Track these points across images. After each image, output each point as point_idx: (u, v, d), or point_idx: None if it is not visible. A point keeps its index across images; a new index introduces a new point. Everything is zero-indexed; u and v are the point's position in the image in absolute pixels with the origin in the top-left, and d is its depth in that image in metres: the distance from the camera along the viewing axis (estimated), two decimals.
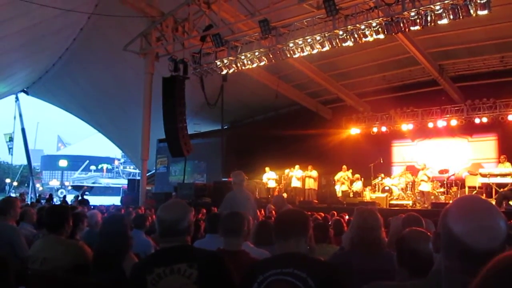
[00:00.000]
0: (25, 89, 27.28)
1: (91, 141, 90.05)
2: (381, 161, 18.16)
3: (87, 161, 74.13)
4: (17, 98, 30.06)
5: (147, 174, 20.82)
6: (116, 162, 64.50)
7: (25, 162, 41.03)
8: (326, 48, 13.55)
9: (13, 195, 33.08)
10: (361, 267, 2.93)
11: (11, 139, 37.88)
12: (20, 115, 31.96)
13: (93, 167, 70.93)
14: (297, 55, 14.40)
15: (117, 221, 3.84)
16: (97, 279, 3.53)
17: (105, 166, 63.88)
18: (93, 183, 57.11)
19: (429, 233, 2.50)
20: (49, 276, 3.69)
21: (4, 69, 21.06)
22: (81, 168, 72.42)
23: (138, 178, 22.03)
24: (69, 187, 71.40)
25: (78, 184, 56.37)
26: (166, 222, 2.62)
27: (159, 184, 26.73)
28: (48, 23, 17.30)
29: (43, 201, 23.11)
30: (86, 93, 25.28)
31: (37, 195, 34.44)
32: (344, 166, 17.84)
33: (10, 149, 39.32)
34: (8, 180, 59.71)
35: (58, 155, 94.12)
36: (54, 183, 77.73)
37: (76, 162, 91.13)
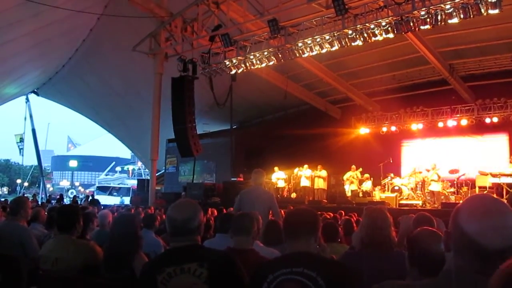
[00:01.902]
0: (35, 90, 27.48)
1: (100, 141, 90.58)
2: (391, 161, 18.08)
3: (113, 162, 74.51)
4: (27, 99, 30.28)
5: (157, 174, 20.90)
6: (140, 164, 64.89)
7: (35, 162, 41.37)
8: (335, 47, 13.53)
9: (28, 195, 33.29)
10: (371, 267, 2.92)
11: (21, 140, 38.22)
12: (31, 116, 32.19)
13: (118, 168, 71.28)
14: (306, 55, 14.39)
15: (127, 221, 3.85)
16: (107, 279, 3.54)
17: (130, 167, 64.14)
18: (119, 184, 57.33)
19: (440, 233, 2.48)
20: (60, 276, 3.71)
21: (14, 70, 21.21)
22: (107, 169, 72.89)
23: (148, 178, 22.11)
24: (80, 189, 71.90)
25: (105, 185, 56.53)
26: (177, 222, 2.62)
27: (169, 184, 26.80)
28: (58, 24, 17.42)
29: (53, 201, 23.28)
30: (96, 94, 25.42)
31: (48, 195, 34.70)
32: (353, 166, 17.76)
33: (21, 150, 39.67)
34: (19, 181, 60.27)
35: (68, 156, 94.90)
36: (65, 183, 78.34)
37: (86, 162, 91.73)
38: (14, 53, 18.78)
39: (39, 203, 20.39)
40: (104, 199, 38.33)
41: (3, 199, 19.58)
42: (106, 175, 70.92)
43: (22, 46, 18.44)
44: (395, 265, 2.85)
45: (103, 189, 51.21)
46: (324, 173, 18.07)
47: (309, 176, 18.18)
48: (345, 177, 17.89)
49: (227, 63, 15.97)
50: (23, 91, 27.46)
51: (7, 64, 19.77)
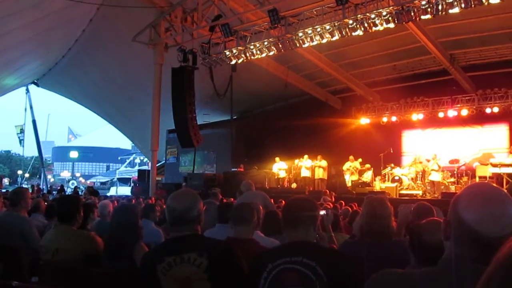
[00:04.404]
0: (35, 81, 27.46)
1: (101, 132, 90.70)
2: (391, 151, 18.05)
3: (134, 154, 74.70)
4: (27, 90, 30.31)
5: (157, 165, 20.92)
6: None
7: (36, 153, 41.46)
8: (336, 37, 13.47)
9: (24, 185, 33.35)
10: (370, 256, 2.93)
11: (22, 131, 38.24)
12: (31, 107, 32.24)
13: (137, 160, 71.50)
14: (306, 45, 14.34)
15: (127, 211, 3.86)
16: (108, 268, 3.56)
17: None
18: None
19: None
20: (61, 266, 3.72)
21: (14, 61, 21.17)
22: (127, 162, 73.04)
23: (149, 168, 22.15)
24: (81, 179, 71.89)
25: (126, 176, 56.66)
26: (176, 211, 2.62)
27: (169, 175, 26.84)
28: (57, 14, 17.34)
29: (54, 192, 23.34)
30: (96, 84, 25.39)
31: (49, 186, 34.78)
32: (351, 157, 17.78)
33: (21, 141, 39.69)
34: (20, 172, 60.36)
35: (69, 147, 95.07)
36: (65, 174, 78.45)
37: (86, 153, 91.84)
38: (13, 44, 18.71)
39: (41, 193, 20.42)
40: (126, 190, 38.43)
41: (4, 190, 19.55)
42: (126, 167, 71.12)
43: (21, 37, 18.37)
44: (394, 254, 2.86)
45: (124, 181, 51.42)
46: (324, 163, 18.07)
47: (310, 167, 18.19)
48: (344, 167, 17.93)
49: (227, 53, 15.92)
50: (23, 82, 27.43)
51: (7, 55, 19.71)
